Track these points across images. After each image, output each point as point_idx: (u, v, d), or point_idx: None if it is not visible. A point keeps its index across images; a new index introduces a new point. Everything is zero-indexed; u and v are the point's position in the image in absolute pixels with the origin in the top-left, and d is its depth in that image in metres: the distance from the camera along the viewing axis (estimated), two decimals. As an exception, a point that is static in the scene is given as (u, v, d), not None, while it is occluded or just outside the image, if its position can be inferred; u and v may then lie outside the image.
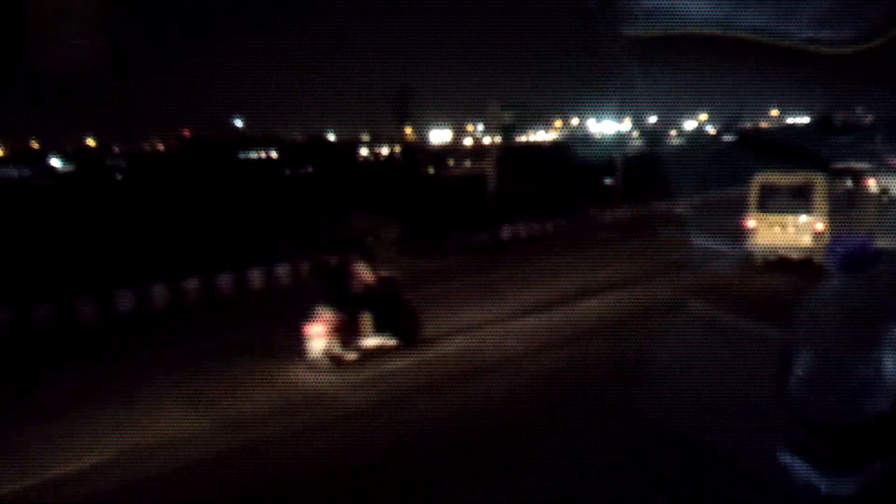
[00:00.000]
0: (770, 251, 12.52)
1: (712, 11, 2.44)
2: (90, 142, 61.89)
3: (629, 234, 18.86)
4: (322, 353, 8.18)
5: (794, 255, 12.13)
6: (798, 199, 12.31)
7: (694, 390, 5.81)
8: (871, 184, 15.67)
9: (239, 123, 64.58)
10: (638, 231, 19.14)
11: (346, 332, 8.30)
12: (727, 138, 52.41)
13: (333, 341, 8.21)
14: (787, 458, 2.79)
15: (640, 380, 6.45)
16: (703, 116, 68.54)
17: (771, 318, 3.13)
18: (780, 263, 12.28)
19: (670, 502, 2.47)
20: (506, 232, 19.14)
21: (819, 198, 12.14)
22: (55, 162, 54.54)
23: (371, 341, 8.47)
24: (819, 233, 11.94)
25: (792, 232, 12.26)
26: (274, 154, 58.95)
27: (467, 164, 49.80)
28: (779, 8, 2.31)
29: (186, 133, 62.05)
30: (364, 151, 65.09)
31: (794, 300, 2.88)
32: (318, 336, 8.16)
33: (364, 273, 8.63)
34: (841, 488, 2.72)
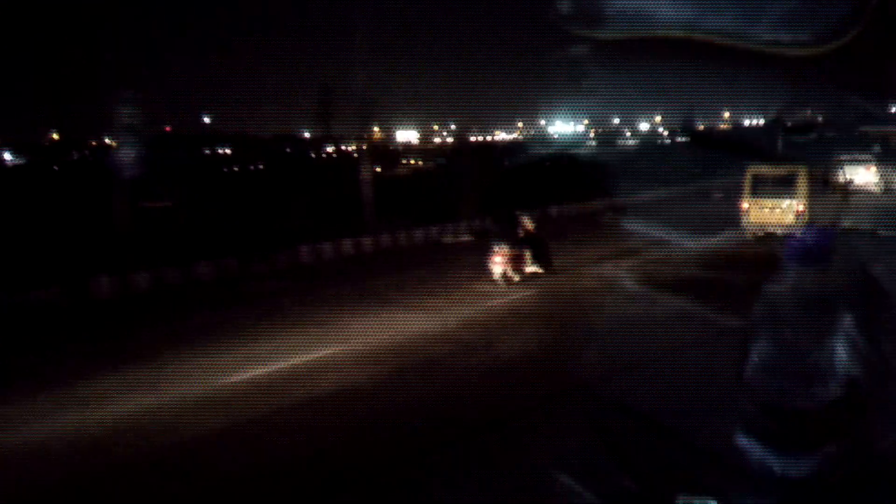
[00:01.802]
0: (759, 228, 14.98)
1: (678, 14, 2.55)
2: (55, 136, 60.62)
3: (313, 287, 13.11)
4: (500, 275, 12.38)
5: (779, 232, 14.17)
6: (783, 187, 14.97)
7: (658, 376, 6.05)
8: (840, 175, 19.23)
9: (207, 120, 63.65)
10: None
11: (515, 261, 12.58)
12: (680, 139, 53.28)
13: (508, 267, 12.42)
14: (744, 441, 2.91)
15: (607, 365, 6.62)
16: (658, 118, 69.65)
17: (730, 308, 3.27)
18: (766, 238, 14.65)
19: (636, 483, 2.57)
20: (104, 283, 12.79)
21: (800, 185, 14.79)
22: (7, 155, 53.37)
23: (529, 268, 12.80)
24: (800, 213, 14.59)
25: (778, 212, 14.82)
26: (228, 151, 58.49)
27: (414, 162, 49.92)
28: (742, 11, 2.41)
29: (167, 128, 61.48)
30: (330, 148, 64.74)
31: (751, 291, 3.01)
32: (498, 264, 12.39)
33: (527, 224, 13.22)
34: (794, 469, 2.84)
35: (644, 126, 70.84)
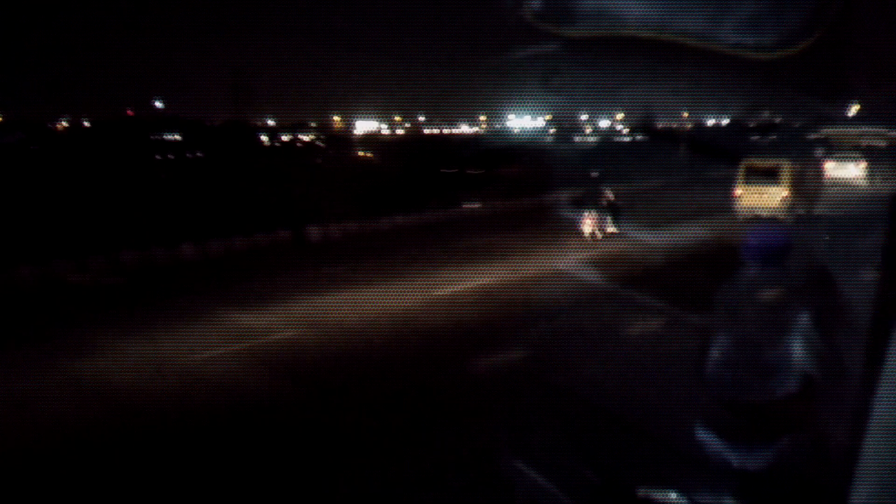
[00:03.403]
0: (750, 211, 17.52)
1: (647, 14, 2.57)
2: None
3: None
4: (588, 234, 16.08)
5: (765, 214, 17.02)
6: (771, 177, 17.74)
7: (621, 371, 6.16)
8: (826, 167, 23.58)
9: (159, 104, 62.11)
10: None
11: (599, 223, 16.25)
12: (639, 137, 53.74)
13: (594, 228, 16.17)
14: (703, 434, 2.98)
15: (571, 361, 6.70)
16: (619, 116, 70.23)
17: (691, 304, 3.34)
18: (754, 219, 17.23)
19: (598, 476, 2.61)
20: None
21: (785, 176, 17.68)
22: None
23: (609, 229, 16.35)
24: (784, 198, 17.37)
25: (766, 198, 17.40)
26: (178, 137, 57.25)
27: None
28: (709, 14, 2.45)
29: (130, 112, 59.97)
30: (285, 137, 63.81)
31: (712, 288, 3.08)
32: (587, 225, 16.15)
33: (608, 195, 16.78)
34: (751, 461, 2.92)
35: (604, 123, 71.36)
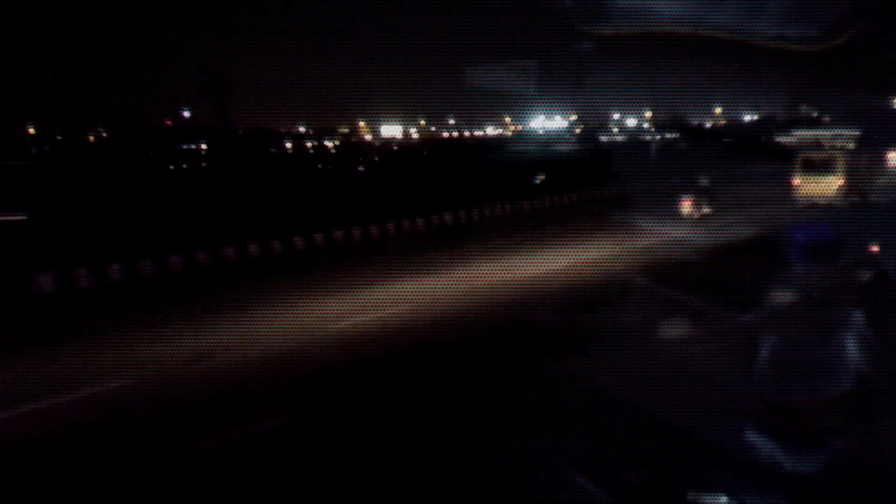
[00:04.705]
0: (807, 199, 19.05)
1: (683, 10, 2.53)
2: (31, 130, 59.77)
3: None
4: (686, 214, 18.61)
5: (822, 202, 18.50)
6: (826, 167, 19.52)
7: (667, 372, 6.05)
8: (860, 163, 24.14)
9: (187, 114, 62.35)
10: None
11: (695, 205, 18.98)
12: (669, 135, 52.46)
13: (691, 209, 18.82)
14: (753, 437, 2.91)
15: (615, 362, 6.61)
16: (648, 114, 68.48)
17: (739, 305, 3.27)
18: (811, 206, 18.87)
19: (643, 481, 2.57)
20: None
21: (840, 166, 19.39)
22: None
23: (704, 210, 18.95)
24: (840, 187, 18.95)
25: (822, 186, 18.98)
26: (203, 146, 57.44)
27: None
28: (747, 7, 2.39)
29: (168, 122, 60.52)
30: (309, 143, 63.74)
31: (761, 287, 3.02)
32: (685, 207, 18.76)
33: (703, 182, 19.42)
34: (804, 465, 2.84)
35: (632, 122, 69.63)
